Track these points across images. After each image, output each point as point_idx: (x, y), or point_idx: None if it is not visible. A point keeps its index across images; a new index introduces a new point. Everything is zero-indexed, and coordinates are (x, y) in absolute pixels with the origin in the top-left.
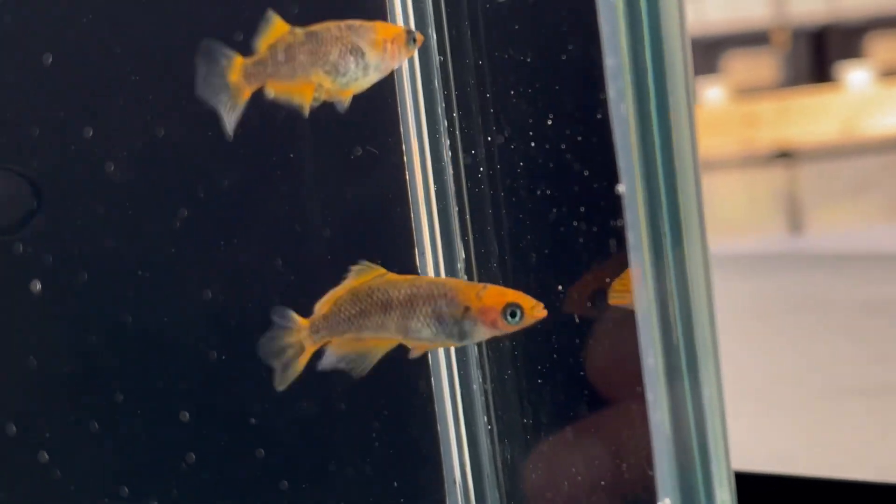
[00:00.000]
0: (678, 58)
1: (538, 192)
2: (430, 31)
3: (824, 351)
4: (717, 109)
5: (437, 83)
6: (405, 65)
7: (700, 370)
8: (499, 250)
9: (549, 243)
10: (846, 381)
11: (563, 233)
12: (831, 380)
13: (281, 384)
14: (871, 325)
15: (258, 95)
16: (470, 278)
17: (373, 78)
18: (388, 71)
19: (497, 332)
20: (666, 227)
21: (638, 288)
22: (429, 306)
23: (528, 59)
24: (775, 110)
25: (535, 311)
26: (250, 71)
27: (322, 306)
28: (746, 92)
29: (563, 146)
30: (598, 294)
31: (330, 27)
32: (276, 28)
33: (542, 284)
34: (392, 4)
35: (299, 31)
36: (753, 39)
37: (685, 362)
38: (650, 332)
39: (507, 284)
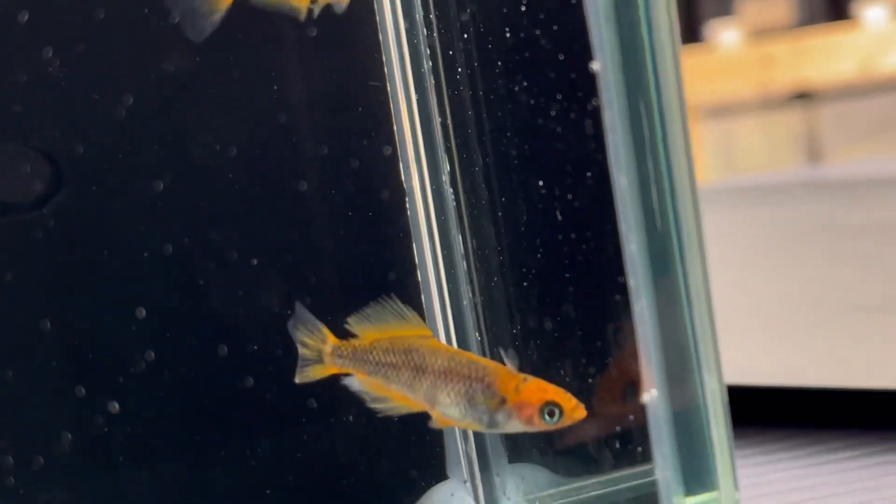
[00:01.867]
0: None
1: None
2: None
3: (838, 273)
4: (732, 52)
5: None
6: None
7: (686, 258)
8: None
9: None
10: (858, 300)
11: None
12: (844, 298)
13: (299, 379)
14: (886, 249)
15: None
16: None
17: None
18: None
19: (531, 429)
20: (646, 107)
21: (616, 173)
22: (463, 386)
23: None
24: (791, 51)
25: (575, 412)
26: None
27: (357, 334)
28: (762, 33)
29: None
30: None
31: None
32: None
33: None
34: None
35: None
36: None
37: (669, 249)
38: (631, 218)
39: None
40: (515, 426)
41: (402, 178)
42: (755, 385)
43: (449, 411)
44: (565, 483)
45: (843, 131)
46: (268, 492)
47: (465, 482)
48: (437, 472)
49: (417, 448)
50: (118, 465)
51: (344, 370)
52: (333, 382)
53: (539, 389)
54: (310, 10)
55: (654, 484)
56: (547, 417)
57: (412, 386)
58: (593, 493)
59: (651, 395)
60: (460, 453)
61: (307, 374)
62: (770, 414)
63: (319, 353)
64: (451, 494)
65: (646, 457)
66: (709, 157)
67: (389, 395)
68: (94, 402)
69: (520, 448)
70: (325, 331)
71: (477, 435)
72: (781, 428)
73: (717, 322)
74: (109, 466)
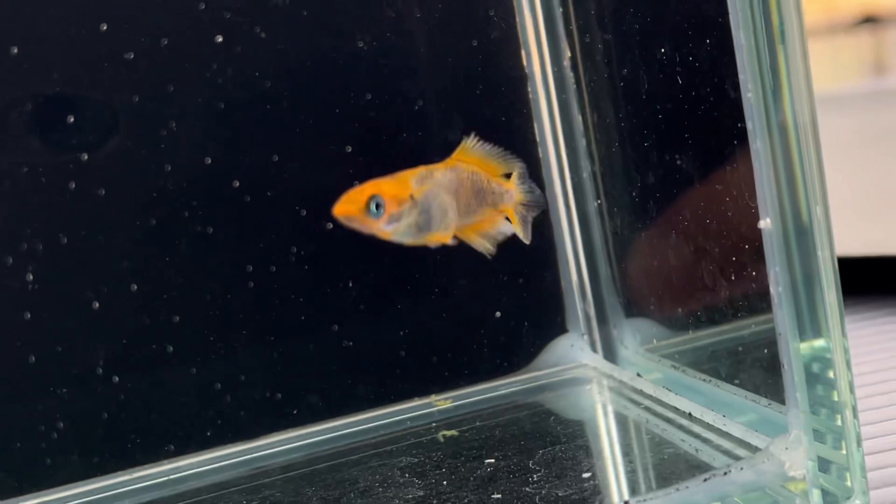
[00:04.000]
0: None
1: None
2: None
3: None
4: None
5: None
6: None
7: (796, 105)
8: None
9: None
10: None
11: None
12: None
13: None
14: None
15: None
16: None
17: None
18: None
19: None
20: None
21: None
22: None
23: None
24: None
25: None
26: None
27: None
28: None
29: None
30: None
31: None
32: None
33: None
34: None
35: None
36: None
37: (781, 97)
38: (748, 69)
39: None
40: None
41: (525, 62)
42: (850, 255)
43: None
44: (680, 334)
45: None
46: (402, 353)
47: (582, 335)
48: (558, 327)
49: (539, 305)
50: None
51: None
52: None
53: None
54: None
55: (769, 332)
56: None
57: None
58: (708, 342)
59: (766, 223)
60: (578, 310)
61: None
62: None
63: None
64: (571, 345)
65: (760, 308)
66: None
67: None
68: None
69: (637, 303)
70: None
71: (595, 292)
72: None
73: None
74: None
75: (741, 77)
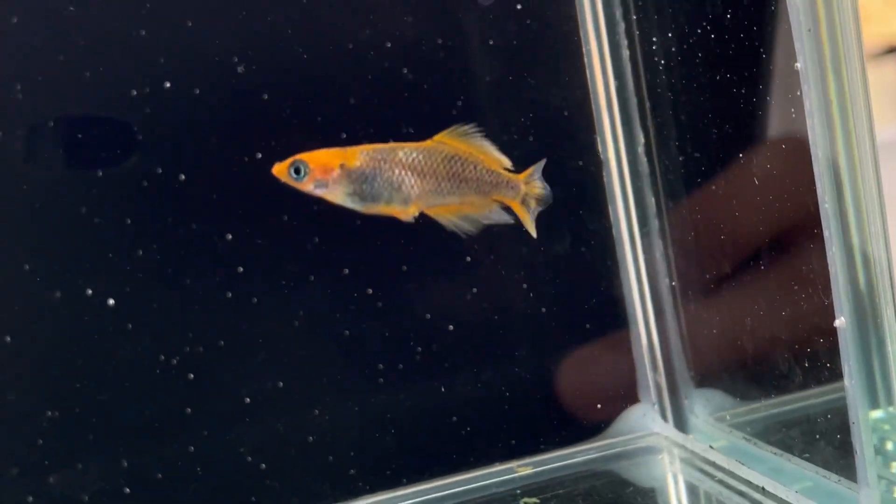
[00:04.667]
0: None
1: None
2: None
3: None
4: None
5: None
6: None
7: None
8: None
9: None
10: None
11: None
12: None
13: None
14: None
15: None
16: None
17: None
18: None
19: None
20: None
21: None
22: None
23: None
24: (882, 3)
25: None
26: None
27: None
28: None
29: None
30: None
31: None
32: None
33: None
34: None
35: None
36: None
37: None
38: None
39: None
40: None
41: (599, 149)
42: None
43: None
44: (751, 405)
45: None
46: (480, 419)
47: (653, 404)
48: (630, 396)
49: (612, 375)
50: None
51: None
52: (550, 321)
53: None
54: None
55: (840, 406)
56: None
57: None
58: (779, 413)
59: (841, 321)
60: (649, 379)
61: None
62: None
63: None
64: (643, 415)
65: (831, 381)
66: None
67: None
68: None
69: (708, 373)
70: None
71: (666, 362)
72: None
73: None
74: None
75: (818, 189)
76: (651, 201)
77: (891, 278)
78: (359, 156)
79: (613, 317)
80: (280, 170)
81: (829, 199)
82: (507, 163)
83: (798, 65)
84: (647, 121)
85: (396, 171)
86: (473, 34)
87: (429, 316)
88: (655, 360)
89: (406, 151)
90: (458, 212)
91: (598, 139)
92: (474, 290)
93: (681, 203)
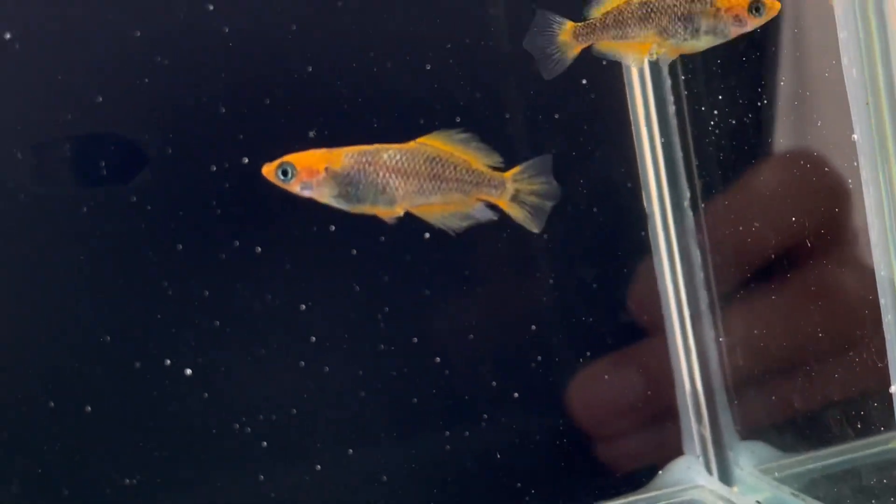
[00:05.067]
0: None
1: None
2: None
3: None
4: None
5: None
6: None
7: None
8: None
9: None
10: None
11: None
12: None
13: (547, 75)
14: None
15: None
16: None
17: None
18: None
19: (743, 29)
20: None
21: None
22: (683, 9)
23: None
24: None
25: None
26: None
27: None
28: None
29: None
30: None
31: None
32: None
33: None
34: None
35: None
36: None
37: None
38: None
39: None
40: (731, 30)
41: (644, 203)
42: None
43: (677, 36)
44: (797, 457)
45: None
46: (525, 470)
47: (698, 457)
48: (673, 449)
49: (657, 428)
50: None
51: (586, 44)
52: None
53: None
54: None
55: (889, 452)
56: (754, 12)
57: (645, 23)
58: (825, 467)
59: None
60: (694, 432)
61: (554, 68)
62: None
63: (564, 42)
64: (688, 467)
65: (879, 432)
66: None
67: (629, 48)
68: None
69: (754, 425)
70: (562, 19)
71: (710, 414)
72: None
73: None
74: None
75: (875, 256)
76: (697, 254)
77: None
78: (343, 158)
79: (658, 369)
80: (269, 171)
81: (884, 267)
82: (495, 161)
83: (855, 136)
84: (694, 176)
85: (381, 174)
86: None
87: (464, 362)
88: (700, 412)
89: (390, 154)
90: (442, 211)
91: (644, 192)
92: (516, 342)
93: (725, 254)
